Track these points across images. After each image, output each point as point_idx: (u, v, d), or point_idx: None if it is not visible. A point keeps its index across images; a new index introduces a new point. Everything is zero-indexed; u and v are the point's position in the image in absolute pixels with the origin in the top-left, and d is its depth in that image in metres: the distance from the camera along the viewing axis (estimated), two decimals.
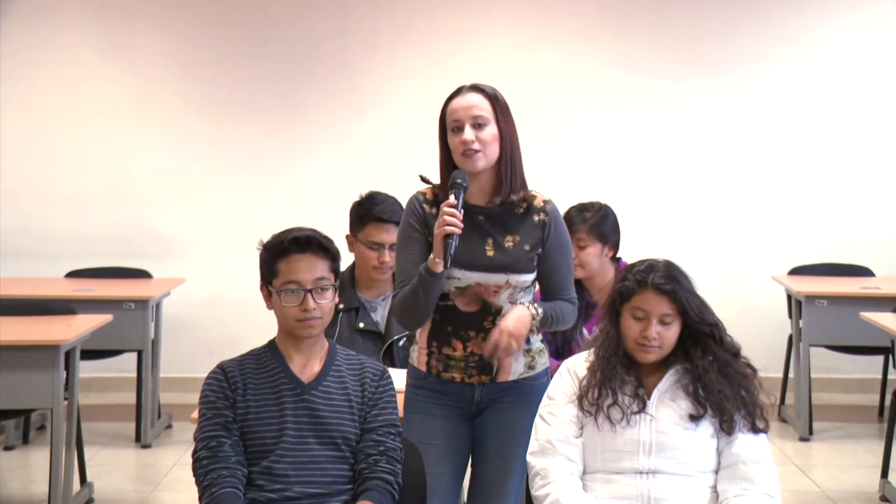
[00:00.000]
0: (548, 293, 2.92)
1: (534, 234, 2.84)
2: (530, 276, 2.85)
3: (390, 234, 3.44)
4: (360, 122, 6.41)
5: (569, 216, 3.57)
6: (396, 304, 2.86)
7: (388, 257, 3.46)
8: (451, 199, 2.72)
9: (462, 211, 2.71)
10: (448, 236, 2.68)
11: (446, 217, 2.69)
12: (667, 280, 2.51)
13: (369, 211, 3.50)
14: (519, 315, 2.78)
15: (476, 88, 2.81)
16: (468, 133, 2.75)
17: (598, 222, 3.57)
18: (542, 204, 2.86)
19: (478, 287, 2.81)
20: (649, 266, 2.55)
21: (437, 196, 2.86)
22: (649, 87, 6.42)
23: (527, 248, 2.83)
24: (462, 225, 2.70)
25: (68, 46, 6.38)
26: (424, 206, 2.86)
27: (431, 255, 2.73)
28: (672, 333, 2.51)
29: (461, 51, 6.40)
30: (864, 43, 6.43)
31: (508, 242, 2.82)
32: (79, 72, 6.39)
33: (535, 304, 2.82)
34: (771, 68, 6.42)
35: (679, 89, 6.43)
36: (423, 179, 2.89)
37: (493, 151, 2.78)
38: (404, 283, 2.82)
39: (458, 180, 2.74)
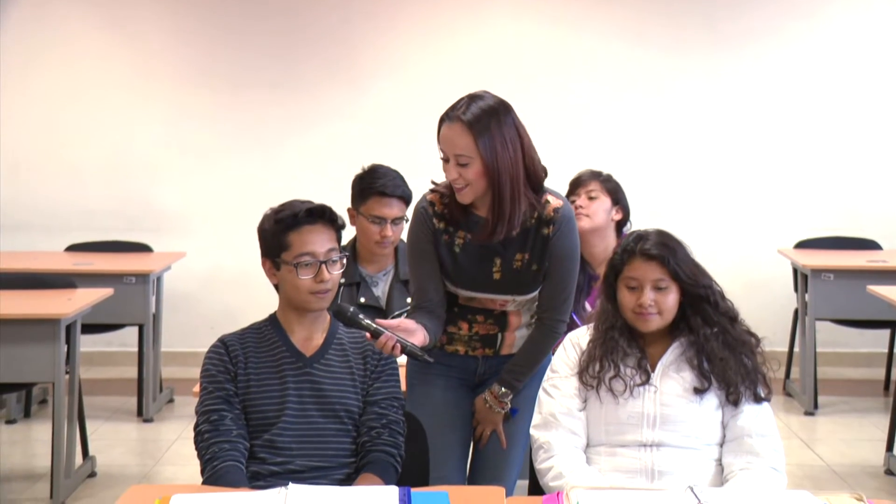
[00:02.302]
0: (539, 298, 2.85)
1: (541, 250, 2.76)
2: (536, 293, 2.83)
3: (392, 209, 3.43)
4: (360, 95, 6.37)
5: (580, 176, 3.68)
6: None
7: (391, 231, 3.43)
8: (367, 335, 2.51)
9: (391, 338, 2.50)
10: (403, 349, 2.50)
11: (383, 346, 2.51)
12: (654, 246, 2.50)
13: (371, 185, 3.46)
14: (485, 418, 2.84)
15: (460, 120, 2.62)
16: (452, 172, 2.66)
17: (610, 181, 3.66)
18: (551, 214, 2.75)
19: (484, 300, 2.81)
20: (638, 236, 2.55)
21: (446, 205, 2.77)
22: (656, 61, 6.37)
23: (535, 267, 2.77)
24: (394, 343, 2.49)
25: (67, 20, 6.35)
26: (434, 220, 2.78)
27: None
28: (669, 299, 2.50)
29: (463, 24, 6.36)
30: (875, 17, 6.38)
31: (517, 262, 2.76)
32: (78, 45, 6.37)
33: (500, 386, 2.80)
34: (778, 42, 6.38)
35: (685, 63, 6.38)
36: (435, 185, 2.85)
37: (480, 186, 2.67)
38: (420, 299, 2.78)
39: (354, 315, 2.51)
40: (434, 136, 2.75)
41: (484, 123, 2.62)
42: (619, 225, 3.67)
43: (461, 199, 2.70)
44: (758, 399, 2.48)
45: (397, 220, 3.41)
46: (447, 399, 2.86)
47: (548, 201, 2.75)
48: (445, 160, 2.68)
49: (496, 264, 2.76)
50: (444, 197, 2.78)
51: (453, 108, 2.67)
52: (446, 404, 2.86)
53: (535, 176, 2.72)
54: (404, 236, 3.17)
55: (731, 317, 2.53)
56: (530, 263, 2.76)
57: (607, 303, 2.57)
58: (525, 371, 2.83)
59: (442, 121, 2.68)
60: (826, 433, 5.21)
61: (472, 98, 2.67)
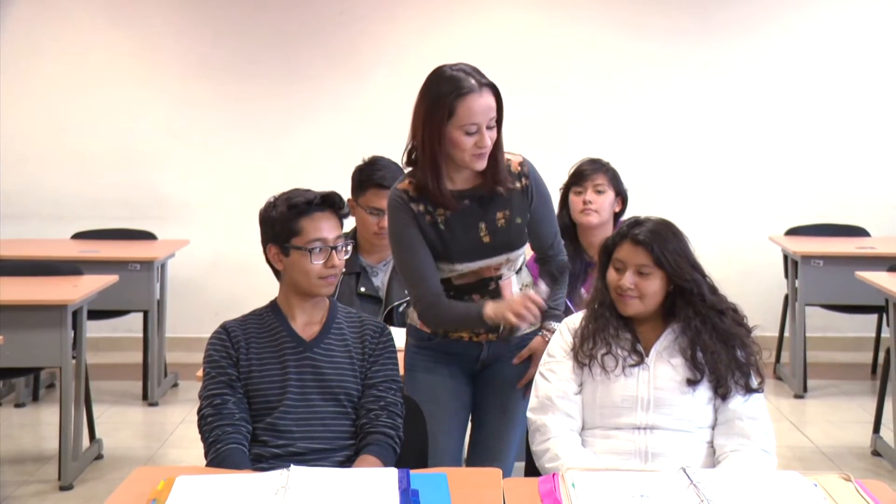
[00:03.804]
0: (539, 248, 2.96)
1: (521, 203, 2.82)
2: (525, 246, 2.89)
3: None
4: (361, 86, 6.40)
5: (583, 168, 3.64)
6: (437, 317, 2.82)
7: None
8: (543, 290, 2.72)
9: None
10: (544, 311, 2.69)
11: (526, 314, 2.63)
12: (644, 232, 2.53)
13: (371, 176, 3.46)
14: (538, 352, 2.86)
15: (490, 87, 2.69)
16: (486, 138, 2.68)
17: (610, 170, 3.67)
18: (518, 168, 2.82)
19: (479, 270, 2.82)
20: (635, 221, 2.59)
21: (420, 189, 2.76)
22: (649, 51, 6.40)
23: (518, 220, 2.82)
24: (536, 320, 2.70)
25: (71, 10, 6.38)
26: (412, 205, 2.77)
27: (489, 312, 2.69)
28: (650, 285, 2.52)
29: (460, 14, 6.39)
30: (867, 7, 6.40)
31: (500, 220, 2.80)
32: (82, 36, 6.39)
33: (548, 322, 2.88)
34: (770, 33, 6.40)
35: (678, 53, 6.41)
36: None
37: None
38: (429, 288, 2.78)
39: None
40: None
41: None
42: (617, 216, 3.67)
43: (480, 165, 2.71)
44: (749, 390, 2.50)
45: None
46: (447, 386, 2.89)
47: (510, 159, 2.83)
48: (475, 132, 2.67)
49: (482, 229, 2.78)
50: (415, 182, 2.78)
51: (475, 77, 2.68)
52: (446, 391, 2.88)
53: None
54: None
55: (720, 310, 2.53)
56: (513, 218, 2.81)
57: (599, 281, 2.60)
58: (559, 302, 2.95)
59: (470, 92, 2.65)
60: (815, 416, 5.27)
61: (472, 68, 2.71)
